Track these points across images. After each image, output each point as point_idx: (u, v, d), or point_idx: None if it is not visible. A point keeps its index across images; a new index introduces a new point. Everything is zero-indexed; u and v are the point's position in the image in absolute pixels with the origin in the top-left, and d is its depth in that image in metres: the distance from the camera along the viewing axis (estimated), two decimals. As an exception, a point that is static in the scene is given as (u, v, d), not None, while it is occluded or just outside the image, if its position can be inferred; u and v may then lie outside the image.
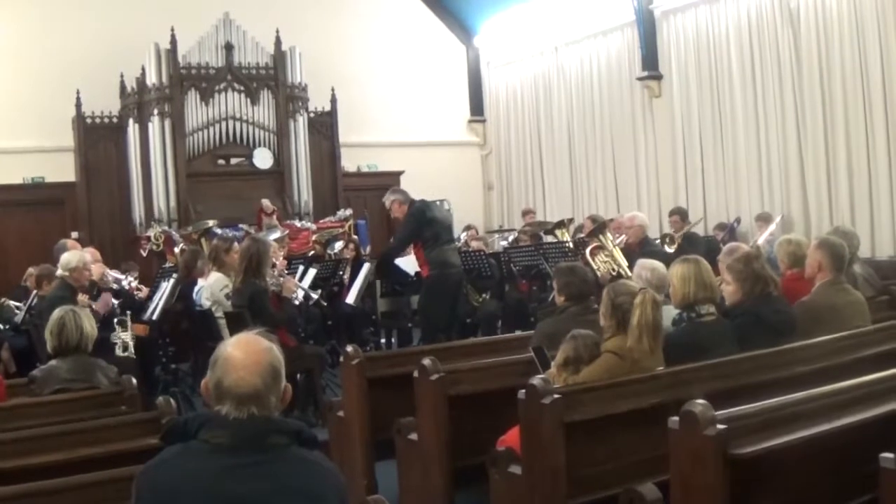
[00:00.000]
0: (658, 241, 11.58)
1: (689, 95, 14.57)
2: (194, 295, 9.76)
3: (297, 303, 9.69)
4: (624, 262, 9.24)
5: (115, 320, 8.83)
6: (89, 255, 9.32)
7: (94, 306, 8.67)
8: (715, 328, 5.59)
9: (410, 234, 10.23)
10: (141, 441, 4.60)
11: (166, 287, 9.86)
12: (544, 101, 17.67)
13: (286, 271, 9.74)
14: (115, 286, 9.73)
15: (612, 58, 16.12)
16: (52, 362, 6.00)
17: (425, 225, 9.96)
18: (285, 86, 16.03)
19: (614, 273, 8.98)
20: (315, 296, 10.01)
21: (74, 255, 8.75)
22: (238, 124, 15.69)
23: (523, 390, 4.68)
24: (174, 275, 10.22)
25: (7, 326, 10.06)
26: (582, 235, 11.36)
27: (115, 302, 9.40)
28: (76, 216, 15.57)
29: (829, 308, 6.17)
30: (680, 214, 12.63)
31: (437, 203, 10.51)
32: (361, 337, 11.56)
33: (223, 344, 3.03)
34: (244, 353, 2.96)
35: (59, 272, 8.66)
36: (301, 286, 9.72)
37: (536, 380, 4.67)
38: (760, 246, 10.23)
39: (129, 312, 9.05)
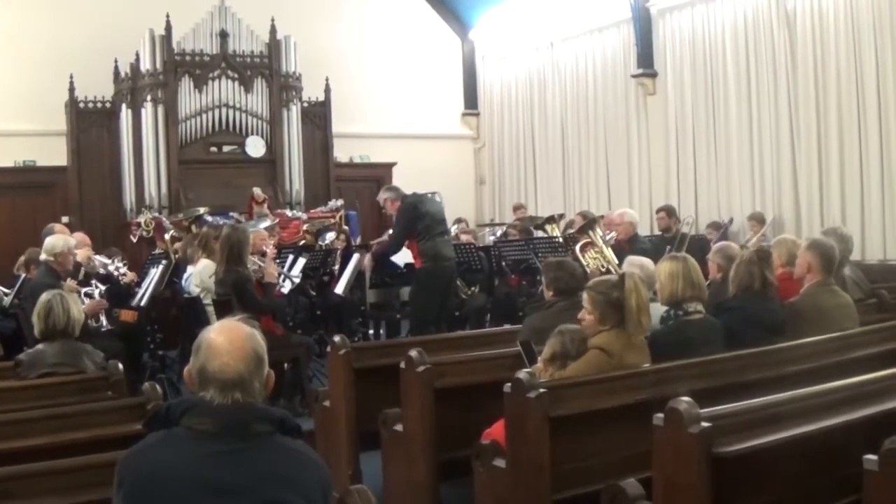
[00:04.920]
0: (648, 239, 11.60)
1: (684, 94, 14.57)
2: (183, 282, 9.76)
3: (284, 291, 9.68)
4: (613, 259, 9.24)
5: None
6: (76, 239, 9.28)
7: (84, 306, 8.67)
8: (702, 326, 5.62)
9: (402, 232, 10.25)
10: (126, 426, 4.60)
11: (155, 273, 9.84)
12: (538, 97, 17.67)
13: (277, 260, 9.73)
14: (101, 271, 9.70)
15: (607, 54, 16.12)
16: (39, 346, 6.00)
17: (417, 220, 9.97)
18: (279, 75, 16.00)
19: (604, 270, 8.98)
20: (296, 280, 9.99)
21: (59, 240, 8.69)
22: (231, 112, 15.66)
23: (509, 384, 4.69)
24: (163, 261, 10.21)
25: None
26: (572, 231, 11.36)
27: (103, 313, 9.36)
28: (67, 201, 15.53)
29: (817, 309, 6.19)
30: (667, 211, 12.59)
31: (430, 195, 10.50)
32: (350, 327, 11.54)
33: (205, 330, 3.03)
34: (227, 339, 2.96)
35: (42, 256, 8.62)
36: (282, 270, 9.70)
37: (522, 374, 4.67)
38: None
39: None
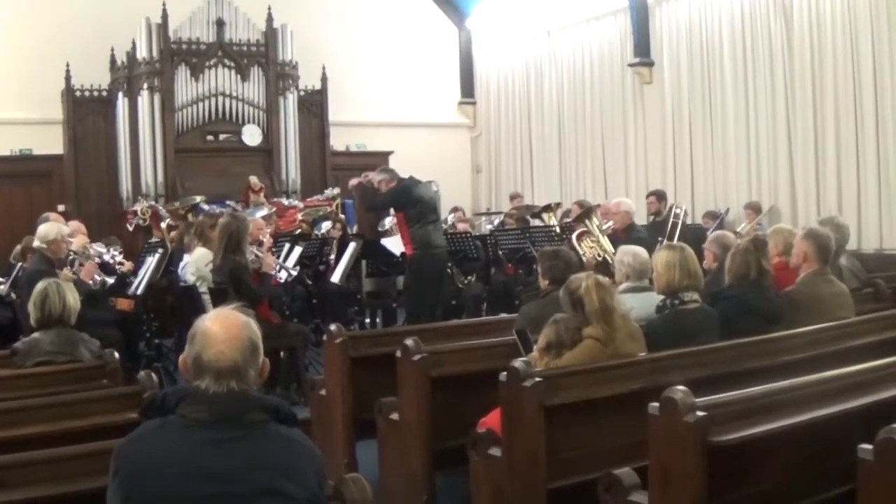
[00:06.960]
0: (644, 228, 11.59)
1: (680, 83, 14.56)
2: (179, 270, 9.76)
3: (281, 280, 9.68)
4: (610, 248, 9.23)
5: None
6: (70, 228, 9.26)
7: (80, 275, 8.65)
8: (698, 316, 5.62)
9: (390, 201, 10.25)
10: (122, 415, 4.59)
11: (151, 262, 9.83)
12: (535, 85, 17.66)
13: (273, 250, 9.72)
14: (97, 259, 9.69)
15: (603, 44, 16.10)
16: (35, 335, 5.97)
17: (409, 202, 9.94)
18: (276, 63, 15.97)
19: (600, 259, 8.98)
20: (294, 272, 9.99)
21: (52, 227, 8.66)
22: (228, 101, 15.64)
23: (505, 373, 4.69)
24: (160, 250, 10.20)
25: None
26: (569, 220, 11.36)
27: (99, 272, 9.34)
28: (63, 189, 15.51)
29: (813, 299, 6.19)
30: (657, 195, 12.49)
31: (426, 182, 10.47)
32: (346, 316, 11.54)
33: (201, 319, 3.03)
34: (223, 327, 2.96)
35: (36, 244, 8.59)
36: (280, 262, 9.70)
37: (518, 362, 4.67)
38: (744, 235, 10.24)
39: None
